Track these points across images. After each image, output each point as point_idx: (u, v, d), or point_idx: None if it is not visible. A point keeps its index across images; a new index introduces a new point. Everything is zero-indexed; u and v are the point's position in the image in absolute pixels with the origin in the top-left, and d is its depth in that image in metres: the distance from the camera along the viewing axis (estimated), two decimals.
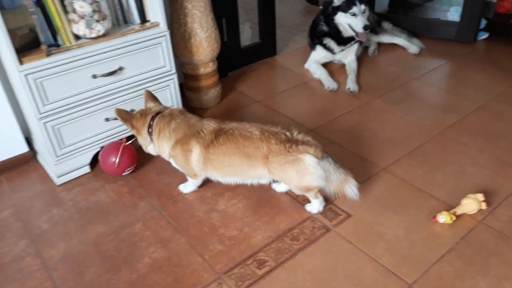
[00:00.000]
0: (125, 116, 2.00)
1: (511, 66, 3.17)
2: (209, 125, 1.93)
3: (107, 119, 2.27)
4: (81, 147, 2.26)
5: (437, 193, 2.06)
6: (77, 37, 2.12)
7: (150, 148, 2.05)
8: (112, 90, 2.22)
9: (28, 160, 2.43)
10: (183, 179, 2.20)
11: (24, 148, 2.40)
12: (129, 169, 2.25)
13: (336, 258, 1.77)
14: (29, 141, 2.45)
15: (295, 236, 1.88)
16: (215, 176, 1.99)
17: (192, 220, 2.00)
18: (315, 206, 1.97)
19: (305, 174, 1.81)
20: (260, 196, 2.09)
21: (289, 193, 2.10)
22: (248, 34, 3.57)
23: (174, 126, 1.93)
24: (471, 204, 1.90)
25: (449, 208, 1.94)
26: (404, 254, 1.77)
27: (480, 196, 1.91)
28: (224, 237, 1.90)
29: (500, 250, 1.76)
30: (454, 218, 1.87)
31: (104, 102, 2.22)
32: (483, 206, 1.92)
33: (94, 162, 2.36)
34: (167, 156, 2.02)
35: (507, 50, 3.40)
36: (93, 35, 2.10)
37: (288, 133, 1.87)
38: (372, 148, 2.40)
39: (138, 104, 2.35)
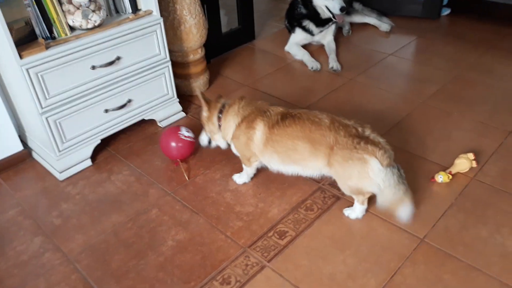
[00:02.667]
0: (206, 97, 2.02)
1: (476, 38, 3.42)
2: (277, 108, 1.93)
3: (106, 110, 2.26)
4: (83, 140, 2.24)
5: (430, 157, 2.23)
6: (71, 29, 2.09)
7: (217, 136, 2.05)
8: (111, 80, 2.22)
9: (23, 159, 2.37)
10: (190, 162, 2.25)
11: (19, 147, 2.35)
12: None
13: (350, 223, 1.89)
14: (21, 139, 2.39)
15: (308, 207, 1.99)
16: (275, 161, 1.93)
17: (206, 201, 2.05)
18: (356, 211, 1.88)
19: (364, 177, 1.70)
20: (268, 174, 2.18)
21: None
22: (224, 20, 3.60)
23: (243, 104, 1.95)
24: (464, 163, 2.08)
25: (443, 168, 2.11)
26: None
27: (471, 155, 2.09)
28: (241, 214, 1.97)
29: (494, 201, 1.96)
30: (450, 177, 2.04)
31: (103, 93, 2.21)
32: (474, 164, 2.10)
33: (95, 155, 2.35)
34: (229, 138, 1.99)
35: (469, 24, 3.66)
36: (90, 26, 2.08)
37: (360, 129, 1.76)
38: (363, 121, 2.51)
39: (134, 94, 2.35)
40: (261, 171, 2.19)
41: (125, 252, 1.83)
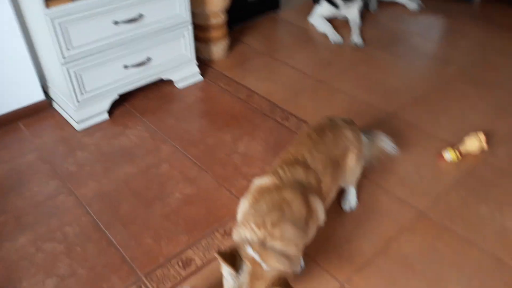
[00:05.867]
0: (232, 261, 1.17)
1: (507, 24, 3.32)
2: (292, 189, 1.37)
3: (125, 66, 2.32)
4: (101, 93, 2.31)
5: (442, 135, 2.22)
6: None
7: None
8: (132, 37, 2.26)
9: (44, 108, 2.47)
10: (203, 123, 2.31)
11: (41, 96, 2.44)
12: None
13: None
14: (44, 89, 2.48)
15: None
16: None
17: (215, 161, 2.11)
18: (355, 198, 1.84)
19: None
20: (278, 139, 2.22)
21: None
22: None
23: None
24: (473, 143, 2.06)
25: (453, 146, 2.11)
26: (415, 186, 1.94)
27: (482, 135, 2.08)
28: (248, 174, 2.02)
29: (499, 182, 1.95)
30: (459, 157, 2.04)
31: (124, 49, 2.27)
32: (485, 146, 2.08)
33: (112, 109, 2.43)
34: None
35: (502, 9, 3.55)
36: None
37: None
38: (380, 97, 2.53)
39: (154, 52, 2.40)
40: (270, 137, 2.23)
41: (134, 201, 1.91)
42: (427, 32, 3.25)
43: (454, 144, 2.13)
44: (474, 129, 2.22)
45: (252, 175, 2.01)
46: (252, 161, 2.11)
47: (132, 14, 2.20)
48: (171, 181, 2.01)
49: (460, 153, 2.06)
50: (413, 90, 2.58)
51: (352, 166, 1.65)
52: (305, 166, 1.46)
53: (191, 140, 2.25)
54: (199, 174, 2.04)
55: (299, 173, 1.43)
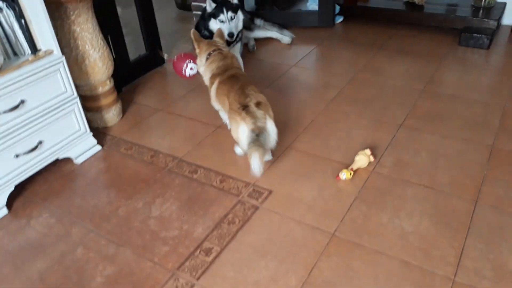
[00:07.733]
0: (198, 37, 2.74)
1: (366, 41, 3.79)
2: (233, 70, 2.55)
3: (17, 155, 2.22)
4: None
5: (334, 156, 2.46)
6: None
7: (201, 68, 2.72)
8: (18, 125, 2.18)
9: None
10: (111, 194, 2.28)
11: None
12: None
13: (270, 229, 2.05)
14: None
15: (231, 220, 2.11)
16: (218, 104, 2.62)
17: (131, 232, 2.10)
18: (237, 149, 2.56)
19: (237, 132, 2.31)
20: (190, 194, 2.28)
21: (214, 185, 2.32)
22: (132, 47, 3.64)
23: (220, 65, 2.58)
24: (362, 159, 2.33)
25: (346, 166, 2.35)
26: (322, 210, 2.12)
27: (368, 151, 2.35)
28: (167, 239, 2.04)
29: (391, 189, 2.22)
30: (352, 173, 2.28)
31: (11, 138, 2.17)
32: (371, 159, 2.36)
33: (11, 201, 2.30)
34: (205, 80, 2.72)
35: (360, 28, 4.04)
36: None
37: (248, 99, 2.27)
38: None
39: (45, 134, 2.34)
40: (182, 193, 2.28)
41: None
42: (302, 62, 3.57)
43: (346, 163, 2.38)
44: (360, 144, 2.50)
45: (172, 238, 2.04)
46: (169, 222, 2.13)
47: (12, 102, 2.13)
48: (89, 264, 1.95)
49: (352, 169, 2.30)
50: (302, 120, 2.82)
51: None
52: None
53: (101, 215, 2.21)
54: (117, 250, 2.01)
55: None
